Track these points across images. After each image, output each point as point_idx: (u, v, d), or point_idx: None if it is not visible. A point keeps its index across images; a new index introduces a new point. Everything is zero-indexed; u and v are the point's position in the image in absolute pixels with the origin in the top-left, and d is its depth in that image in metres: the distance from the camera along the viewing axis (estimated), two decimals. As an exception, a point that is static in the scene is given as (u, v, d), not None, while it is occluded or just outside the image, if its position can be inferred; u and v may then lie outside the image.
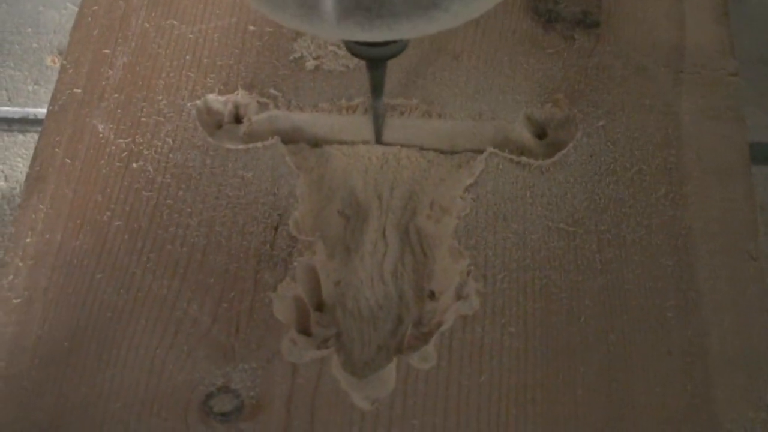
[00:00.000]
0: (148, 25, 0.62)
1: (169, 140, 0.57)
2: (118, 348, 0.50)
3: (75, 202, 0.54)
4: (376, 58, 0.50)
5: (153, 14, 0.62)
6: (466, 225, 0.54)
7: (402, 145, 0.59)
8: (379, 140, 0.58)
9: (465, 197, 0.55)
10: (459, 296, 0.52)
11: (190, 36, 0.61)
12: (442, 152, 0.59)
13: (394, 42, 0.47)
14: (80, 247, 0.53)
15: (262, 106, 0.58)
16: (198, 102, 0.58)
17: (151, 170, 0.56)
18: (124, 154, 0.56)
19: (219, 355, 0.50)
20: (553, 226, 0.53)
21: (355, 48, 0.49)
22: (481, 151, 0.57)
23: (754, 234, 0.53)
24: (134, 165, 0.56)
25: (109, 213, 0.54)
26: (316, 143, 0.59)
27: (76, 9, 0.63)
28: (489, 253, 0.53)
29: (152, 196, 0.55)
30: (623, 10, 0.62)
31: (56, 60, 0.67)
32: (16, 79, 0.66)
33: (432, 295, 0.54)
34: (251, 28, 0.61)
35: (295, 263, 0.52)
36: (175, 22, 0.62)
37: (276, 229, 0.54)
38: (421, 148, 0.58)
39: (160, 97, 0.58)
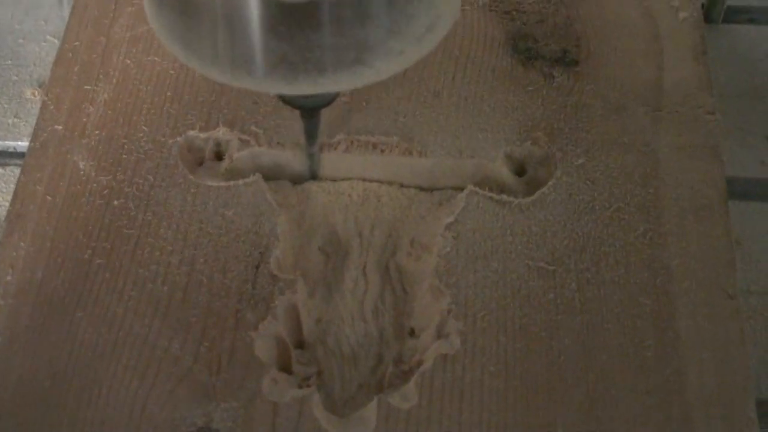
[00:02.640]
0: (129, 62, 0.62)
1: (150, 177, 0.57)
2: (99, 387, 0.50)
3: (56, 239, 0.55)
4: (308, 108, 0.51)
5: (134, 50, 0.62)
6: (446, 263, 0.54)
7: (382, 182, 0.58)
8: (314, 177, 0.59)
9: (445, 235, 0.55)
10: (439, 335, 0.52)
11: (171, 72, 0.61)
12: (422, 189, 0.59)
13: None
14: (61, 286, 0.53)
15: (244, 143, 0.58)
16: (179, 139, 0.58)
17: (132, 208, 0.56)
18: (105, 191, 0.57)
19: (200, 394, 0.50)
20: (533, 265, 0.54)
21: (287, 99, 0.50)
22: (461, 189, 0.57)
23: (731, 272, 0.53)
24: (115, 202, 0.56)
25: (90, 251, 0.54)
26: (297, 180, 0.59)
27: (57, 42, 0.64)
28: (469, 292, 0.53)
29: (133, 233, 0.55)
30: (602, 49, 0.63)
31: (36, 93, 0.68)
32: (-5, 112, 0.66)
33: (412, 333, 0.54)
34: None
35: (276, 302, 0.52)
36: (156, 59, 0.62)
37: (257, 267, 0.54)
38: (402, 185, 0.58)
39: (141, 134, 0.59)
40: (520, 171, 0.59)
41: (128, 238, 0.55)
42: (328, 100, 0.50)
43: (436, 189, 0.59)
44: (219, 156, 0.60)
